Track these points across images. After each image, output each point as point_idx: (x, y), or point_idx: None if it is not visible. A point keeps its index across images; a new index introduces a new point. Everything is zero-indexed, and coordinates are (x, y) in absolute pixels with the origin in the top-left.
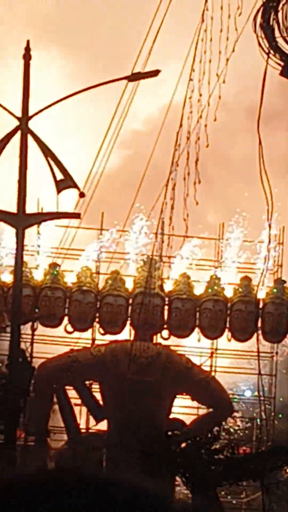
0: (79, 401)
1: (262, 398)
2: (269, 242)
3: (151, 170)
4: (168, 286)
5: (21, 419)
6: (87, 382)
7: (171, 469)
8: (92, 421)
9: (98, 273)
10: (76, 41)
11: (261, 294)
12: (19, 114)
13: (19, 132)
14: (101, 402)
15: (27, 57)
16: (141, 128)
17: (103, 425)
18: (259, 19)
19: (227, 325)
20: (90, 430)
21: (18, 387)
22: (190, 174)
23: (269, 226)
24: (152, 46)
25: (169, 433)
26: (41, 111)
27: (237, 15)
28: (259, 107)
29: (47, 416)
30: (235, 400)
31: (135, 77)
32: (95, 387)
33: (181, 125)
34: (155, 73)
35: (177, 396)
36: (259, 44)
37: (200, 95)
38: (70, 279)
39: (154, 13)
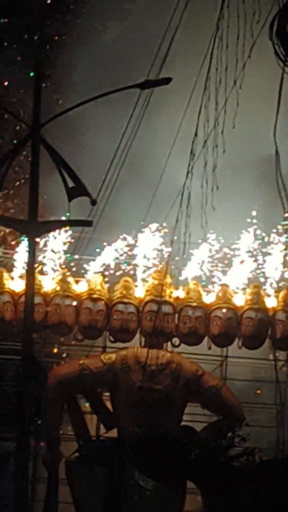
0: (89, 409)
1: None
2: (286, 248)
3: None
4: (179, 293)
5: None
6: (97, 390)
7: (185, 476)
8: (102, 429)
9: (107, 281)
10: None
11: (272, 302)
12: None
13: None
14: (111, 410)
15: (39, 63)
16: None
17: (114, 433)
18: (275, 26)
19: (238, 333)
20: (100, 438)
21: (30, 395)
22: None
23: (286, 231)
24: (167, 54)
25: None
26: (52, 119)
27: (254, 22)
28: (276, 114)
29: (58, 424)
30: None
31: (147, 84)
32: (106, 394)
33: (195, 134)
34: (167, 80)
35: (188, 404)
36: (275, 52)
37: (217, 103)
38: (80, 287)
39: (168, 22)
